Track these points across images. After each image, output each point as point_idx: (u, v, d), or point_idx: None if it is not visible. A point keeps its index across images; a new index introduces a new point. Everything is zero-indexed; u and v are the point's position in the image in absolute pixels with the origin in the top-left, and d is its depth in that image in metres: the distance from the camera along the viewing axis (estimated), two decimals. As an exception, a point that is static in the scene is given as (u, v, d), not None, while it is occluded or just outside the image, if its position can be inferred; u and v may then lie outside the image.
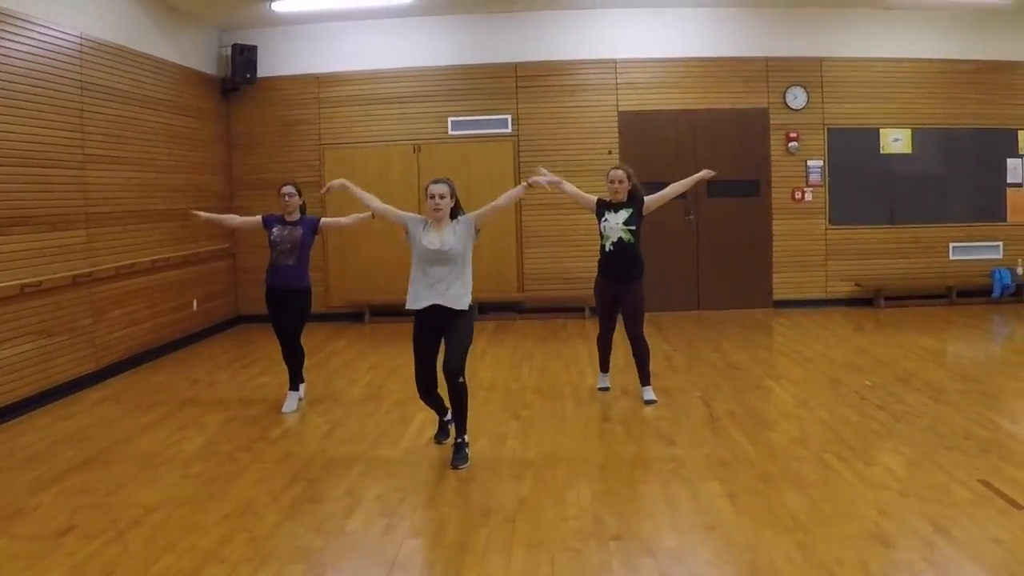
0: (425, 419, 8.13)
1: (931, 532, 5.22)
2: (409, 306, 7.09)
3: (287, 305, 8.84)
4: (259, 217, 8.90)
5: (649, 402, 8.67)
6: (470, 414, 7.14)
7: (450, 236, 7.01)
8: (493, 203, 7.28)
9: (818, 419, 7.92)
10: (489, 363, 10.92)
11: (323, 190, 8.34)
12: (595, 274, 9.11)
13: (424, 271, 7.03)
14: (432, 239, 6.99)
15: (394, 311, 13.60)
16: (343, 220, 9.00)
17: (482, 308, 14.16)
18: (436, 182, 7.11)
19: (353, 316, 14.47)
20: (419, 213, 7.51)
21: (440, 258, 6.98)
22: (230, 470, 6.82)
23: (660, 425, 7.82)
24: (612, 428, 7.81)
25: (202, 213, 9.06)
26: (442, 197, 7.03)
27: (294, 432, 7.94)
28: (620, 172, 9.19)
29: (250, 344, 12.65)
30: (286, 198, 8.80)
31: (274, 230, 8.78)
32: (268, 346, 10.11)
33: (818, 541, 5.14)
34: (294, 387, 8.90)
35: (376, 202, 7.47)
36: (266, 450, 7.36)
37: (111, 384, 10.27)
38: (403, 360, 10.63)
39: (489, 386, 9.64)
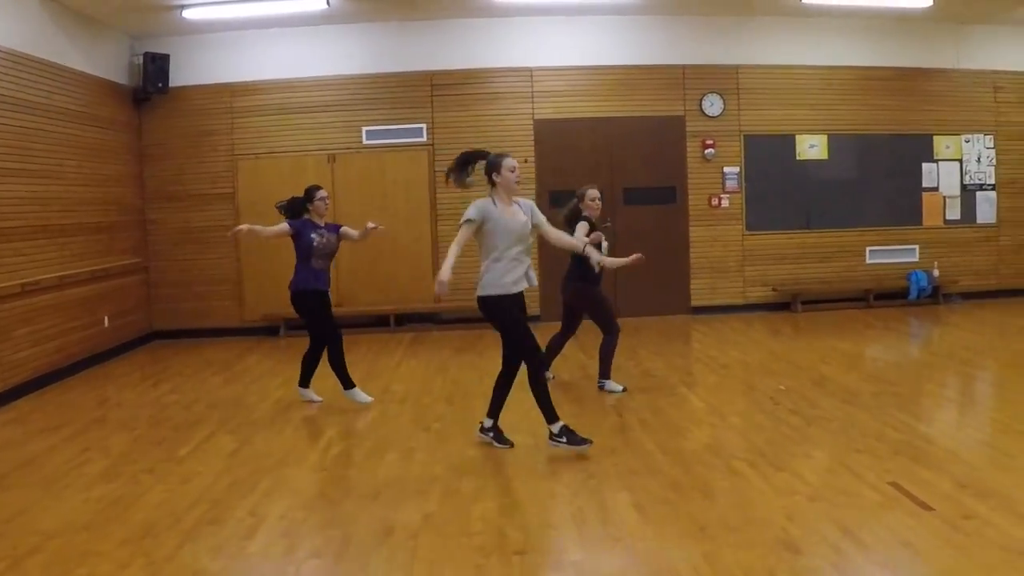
0: (333, 436, 8.23)
1: (839, 537, 5.31)
2: (509, 291, 7.26)
3: (329, 305, 9.47)
4: (285, 225, 9.27)
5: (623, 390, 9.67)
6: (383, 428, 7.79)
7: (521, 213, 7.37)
8: (559, 234, 7.76)
9: (730, 426, 8.06)
10: (403, 375, 10.99)
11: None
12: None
13: (515, 252, 7.27)
14: (516, 215, 7.32)
15: None
16: (353, 232, 9.48)
17: (399, 320, 14.36)
18: (510, 157, 7.38)
19: (268, 330, 14.45)
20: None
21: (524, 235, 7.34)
22: (133, 492, 6.74)
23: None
24: (523, 440, 7.80)
25: (243, 226, 9.21)
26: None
27: (200, 451, 7.87)
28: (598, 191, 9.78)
29: (163, 361, 12.58)
30: (327, 201, 9.40)
31: (313, 236, 9.18)
32: (180, 363, 10.02)
33: (725, 550, 5.20)
34: (351, 384, 9.49)
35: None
36: (171, 471, 7.30)
37: (16, 406, 10.15)
38: (317, 375, 10.59)
39: (401, 399, 9.70)
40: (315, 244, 9.14)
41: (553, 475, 6.84)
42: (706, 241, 14.99)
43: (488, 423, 7.68)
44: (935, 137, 15.65)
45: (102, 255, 12.86)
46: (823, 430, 7.74)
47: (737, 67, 14.97)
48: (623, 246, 14.42)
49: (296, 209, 9.36)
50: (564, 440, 7.22)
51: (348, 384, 9.36)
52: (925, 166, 15.68)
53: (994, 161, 15.92)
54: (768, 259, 15.11)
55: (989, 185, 15.94)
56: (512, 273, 7.21)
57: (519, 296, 7.32)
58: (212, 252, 14.50)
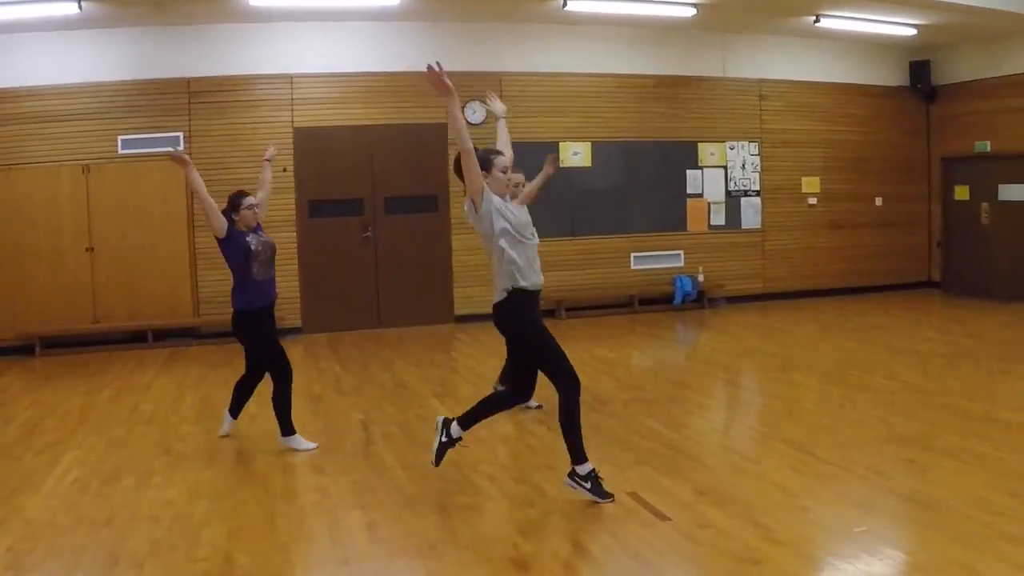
0: (72, 461, 8.49)
1: (570, 552, 5.88)
2: (533, 285, 7.13)
3: (273, 322, 9.01)
4: (222, 217, 8.70)
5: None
6: (125, 451, 8.66)
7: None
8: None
9: (476, 438, 8.44)
10: (154, 394, 11.55)
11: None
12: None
13: (529, 247, 7.14)
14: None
15: (70, 342, 14.88)
16: (262, 194, 9.33)
17: (157, 335, 15.32)
18: (505, 157, 7.33)
19: (23, 349, 14.80)
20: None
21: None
22: None
23: (313, 453, 8.53)
24: (264, 459, 8.41)
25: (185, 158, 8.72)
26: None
27: (-66, 482, 7.83)
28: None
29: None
30: (255, 210, 8.89)
31: (249, 238, 8.73)
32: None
33: (451, 568, 5.71)
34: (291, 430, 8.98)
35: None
36: None
37: None
38: (66, 395, 11.62)
39: (148, 419, 10.16)
40: (253, 248, 8.72)
41: (288, 496, 7.33)
42: (468, 250, 16.45)
43: (583, 470, 7.03)
44: (700, 144, 17.89)
45: None
46: (568, 440, 8.36)
47: (500, 74, 16.66)
48: (385, 256, 16.00)
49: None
50: (588, 487, 6.93)
51: (288, 429, 8.93)
52: (690, 173, 17.91)
53: (759, 167, 18.32)
54: (532, 267, 16.82)
55: (754, 191, 18.33)
56: (534, 264, 7.11)
57: (538, 305, 7.18)
58: (-39, 268, 14.83)
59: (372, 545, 6.24)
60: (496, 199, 7.03)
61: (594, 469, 7.01)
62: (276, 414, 8.89)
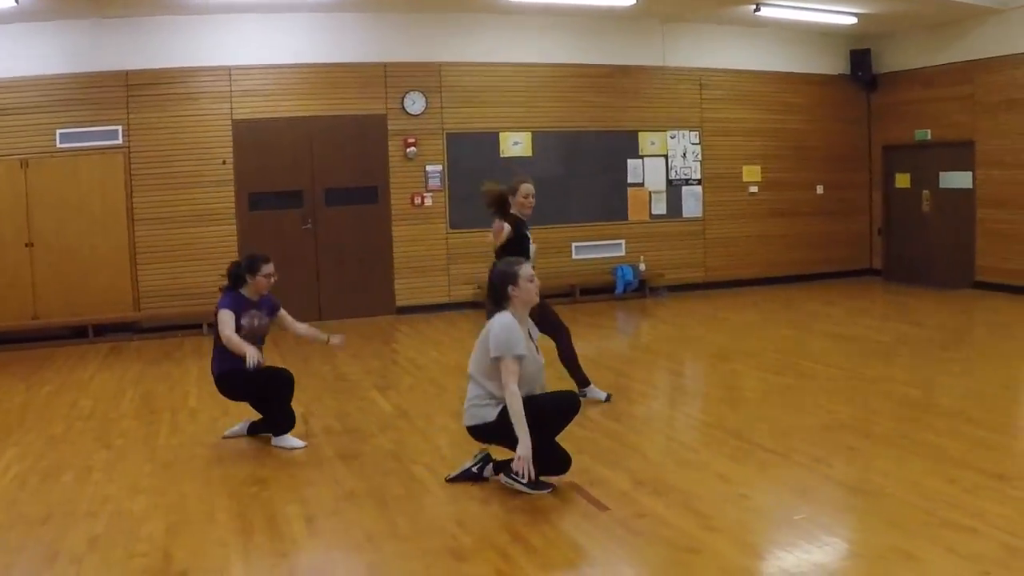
0: (12, 457, 8.45)
1: (508, 542, 5.92)
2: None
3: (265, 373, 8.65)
4: (232, 316, 8.47)
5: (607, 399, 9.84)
6: (65, 447, 8.65)
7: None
8: None
9: (416, 429, 8.89)
10: (94, 389, 11.55)
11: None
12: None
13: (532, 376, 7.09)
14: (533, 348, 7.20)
15: (9, 338, 14.89)
16: (299, 327, 9.18)
17: (97, 330, 15.33)
18: (526, 264, 7.14)
19: None
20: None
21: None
22: None
23: (252, 446, 8.59)
24: (203, 453, 8.40)
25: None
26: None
27: None
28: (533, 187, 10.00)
29: None
30: (273, 279, 8.76)
31: (243, 321, 8.56)
32: None
33: (390, 560, 5.78)
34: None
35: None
36: None
37: None
38: (5, 392, 11.65)
39: (88, 415, 10.12)
40: (244, 332, 8.52)
41: (227, 490, 7.34)
42: (409, 240, 16.80)
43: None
44: (640, 133, 18.17)
45: None
46: (507, 431, 7.75)
47: (440, 64, 16.89)
48: (325, 247, 16.15)
49: (235, 278, 8.67)
50: (524, 481, 6.94)
51: (281, 430, 8.78)
52: (630, 162, 18.21)
53: (699, 156, 18.63)
54: (473, 257, 16.75)
55: (695, 180, 18.64)
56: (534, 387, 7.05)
57: None
58: None
59: (311, 538, 6.30)
60: (515, 339, 6.80)
61: None
62: (277, 416, 8.80)
